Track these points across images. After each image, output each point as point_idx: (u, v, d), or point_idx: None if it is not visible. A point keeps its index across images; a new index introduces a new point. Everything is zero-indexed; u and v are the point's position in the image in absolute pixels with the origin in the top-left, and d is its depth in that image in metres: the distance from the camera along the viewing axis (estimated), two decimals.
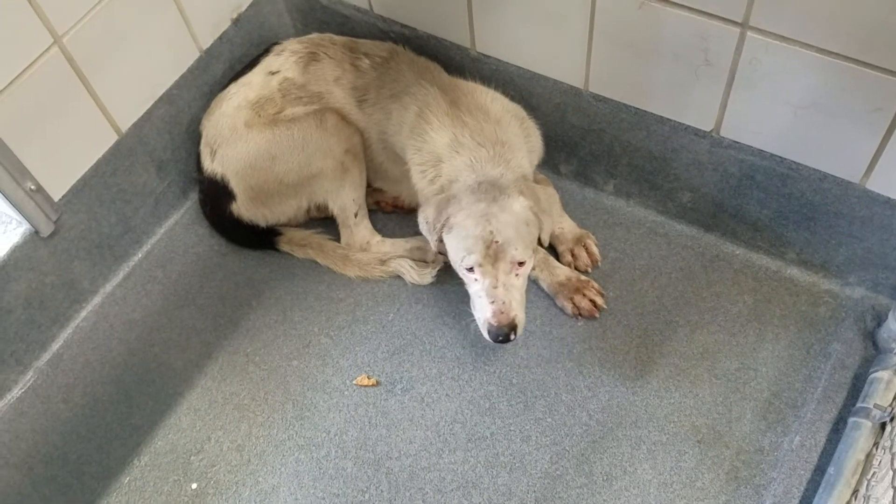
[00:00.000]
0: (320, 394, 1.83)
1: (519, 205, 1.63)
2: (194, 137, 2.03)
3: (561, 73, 1.87)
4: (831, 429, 1.67)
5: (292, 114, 1.89)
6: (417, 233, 2.00)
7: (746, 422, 1.71)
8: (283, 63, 1.93)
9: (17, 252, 1.76)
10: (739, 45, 1.56)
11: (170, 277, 2.01)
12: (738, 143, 1.75)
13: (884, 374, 1.63)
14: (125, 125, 1.90)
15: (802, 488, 1.61)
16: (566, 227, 1.96)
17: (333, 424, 1.79)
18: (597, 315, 1.86)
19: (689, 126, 1.78)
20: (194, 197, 2.11)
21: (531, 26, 1.79)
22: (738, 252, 1.93)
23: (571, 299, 1.86)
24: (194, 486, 1.74)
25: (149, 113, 1.94)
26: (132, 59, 1.84)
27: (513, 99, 1.88)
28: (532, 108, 1.91)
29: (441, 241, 1.68)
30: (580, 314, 1.87)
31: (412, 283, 1.95)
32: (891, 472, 1.38)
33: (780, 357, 1.79)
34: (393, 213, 2.08)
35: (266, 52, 1.98)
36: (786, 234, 1.86)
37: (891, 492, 1.33)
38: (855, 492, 1.51)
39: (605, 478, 1.68)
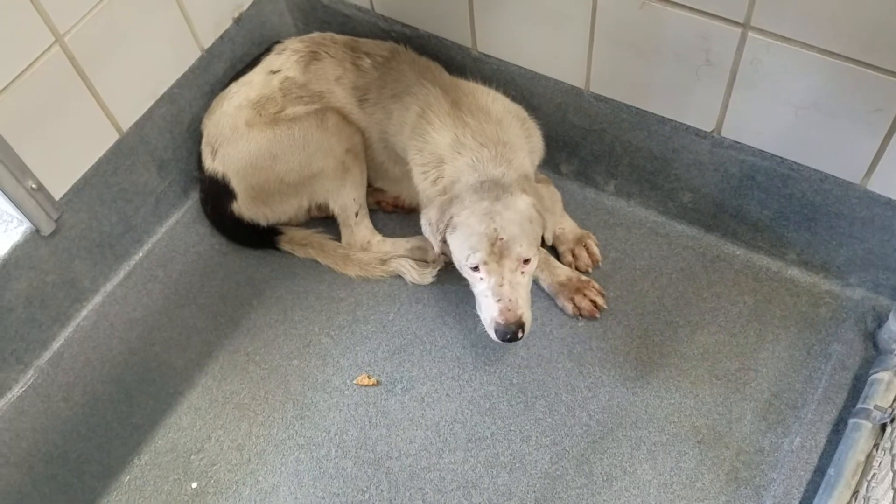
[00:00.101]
0: (321, 393, 1.83)
1: (523, 202, 1.63)
2: (195, 136, 2.03)
3: (562, 72, 1.87)
4: (831, 430, 1.67)
5: (293, 113, 1.89)
6: (418, 232, 2.00)
7: (747, 422, 1.71)
8: (284, 62, 1.93)
9: (18, 251, 1.76)
10: (741, 45, 1.55)
11: (171, 276, 2.02)
12: (738, 143, 1.75)
13: (884, 376, 1.63)
14: (126, 124, 1.90)
15: (802, 489, 1.61)
16: (567, 227, 1.96)
17: (334, 424, 1.79)
18: (597, 315, 1.86)
19: (690, 126, 1.78)
20: (195, 196, 2.12)
21: (532, 26, 1.79)
22: (738, 252, 1.93)
23: (572, 299, 1.86)
24: (194, 485, 1.74)
25: (150, 112, 1.94)
26: (133, 58, 1.84)
27: (514, 99, 1.88)
28: (533, 108, 1.91)
29: (445, 242, 1.68)
30: (581, 314, 1.87)
31: (413, 283, 1.95)
32: (891, 474, 1.38)
33: (780, 358, 1.78)
34: (393, 212, 2.08)
35: (267, 51, 1.98)
36: (786, 235, 1.86)
37: (891, 493, 1.33)
38: (855, 493, 1.51)
39: (605, 478, 1.68)
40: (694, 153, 1.83)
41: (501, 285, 1.59)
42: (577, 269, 1.92)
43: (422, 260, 1.96)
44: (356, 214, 1.96)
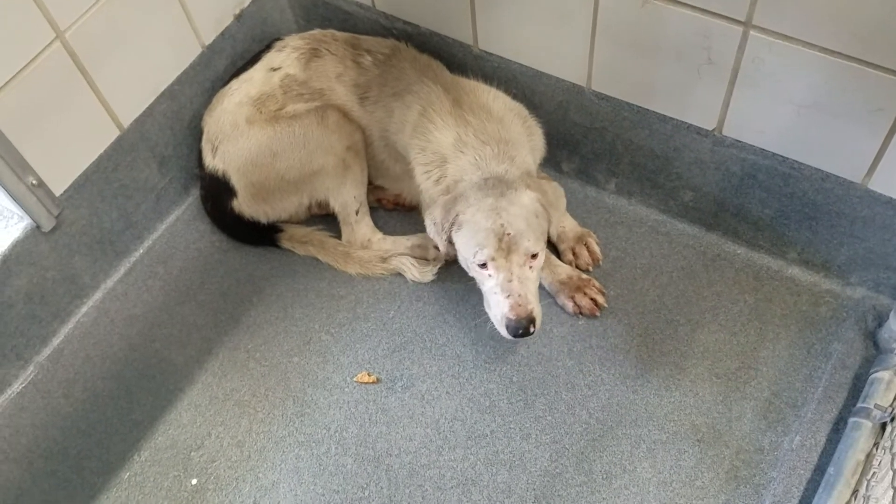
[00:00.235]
0: (321, 390, 1.83)
1: (527, 197, 1.62)
2: (196, 133, 2.03)
3: (563, 70, 1.86)
4: (831, 429, 1.67)
5: (294, 110, 1.89)
6: (419, 230, 2.00)
7: (746, 421, 1.71)
8: (284, 59, 1.93)
9: (19, 247, 1.76)
10: (742, 43, 1.55)
11: (171, 273, 2.02)
12: (740, 142, 1.74)
13: (884, 375, 1.63)
14: (127, 121, 1.90)
15: (802, 488, 1.61)
16: (567, 225, 1.96)
17: (334, 421, 1.79)
18: (598, 314, 1.86)
19: (691, 125, 1.78)
20: (195, 193, 2.11)
21: (534, 24, 1.79)
22: (739, 251, 1.93)
23: (572, 298, 1.86)
24: (194, 481, 1.74)
25: (150, 109, 1.94)
26: (134, 55, 1.84)
27: (515, 97, 1.88)
28: (534, 106, 1.91)
29: (450, 241, 1.68)
30: (581, 313, 1.87)
31: (413, 281, 1.95)
32: (891, 473, 1.38)
33: (780, 357, 1.78)
34: (394, 210, 2.08)
35: (268, 48, 1.98)
36: (787, 234, 1.86)
37: (891, 492, 1.33)
38: (855, 492, 1.51)
39: (604, 476, 1.68)
40: (695, 152, 1.83)
41: (510, 281, 1.59)
42: (577, 267, 1.92)
43: (422, 258, 1.96)
44: (357, 212, 1.96)
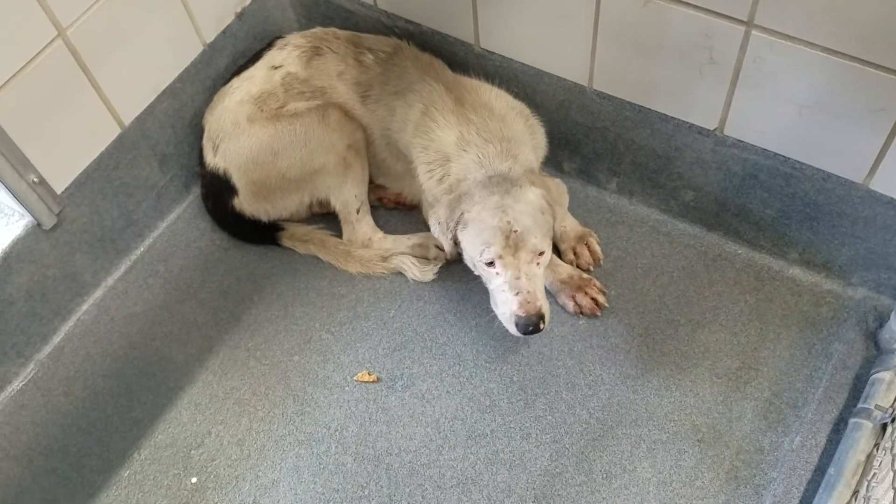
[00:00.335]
0: (321, 389, 1.83)
1: (533, 194, 1.62)
2: (197, 131, 2.03)
3: (565, 70, 1.86)
4: (832, 429, 1.67)
5: (295, 109, 1.89)
6: (420, 229, 2.00)
7: (747, 421, 1.71)
8: (286, 57, 1.93)
9: (20, 244, 1.76)
10: (744, 43, 1.55)
11: (171, 271, 2.01)
12: (741, 141, 1.74)
13: (885, 375, 1.63)
14: (128, 118, 1.90)
15: (802, 489, 1.61)
16: (568, 225, 1.95)
17: (334, 420, 1.79)
18: (598, 313, 1.86)
19: (692, 124, 1.78)
20: (196, 191, 2.11)
21: (535, 23, 1.79)
22: (740, 251, 1.93)
23: (573, 297, 1.86)
24: (194, 479, 1.74)
25: (152, 106, 1.94)
26: (136, 53, 1.84)
27: (516, 96, 1.88)
28: (536, 106, 1.91)
29: (455, 241, 1.67)
30: (582, 312, 1.87)
31: (414, 280, 1.95)
32: (891, 474, 1.38)
33: (781, 357, 1.78)
34: (395, 209, 2.08)
35: (269, 46, 1.98)
36: (788, 234, 1.86)
37: (891, 493, 1.33)
38: (855, 493, 1.51)
39: (604, 476, 1.68)
40: (697, 151, 1.82)
41: (518, 278, 1.59)
42: (578, 266, 1.92)
43: (423, 257, 1.96)
44: (357, 211, 1.96)
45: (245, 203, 1.96)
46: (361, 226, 1.98)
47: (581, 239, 1.94)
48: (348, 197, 1.94)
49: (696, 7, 1.55)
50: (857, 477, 1.53)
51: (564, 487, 1.67)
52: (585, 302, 1.85)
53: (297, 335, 1.91)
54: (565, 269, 1.89)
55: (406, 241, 1.98)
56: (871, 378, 1.66)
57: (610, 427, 1.73)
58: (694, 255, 1.93)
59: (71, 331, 1.92)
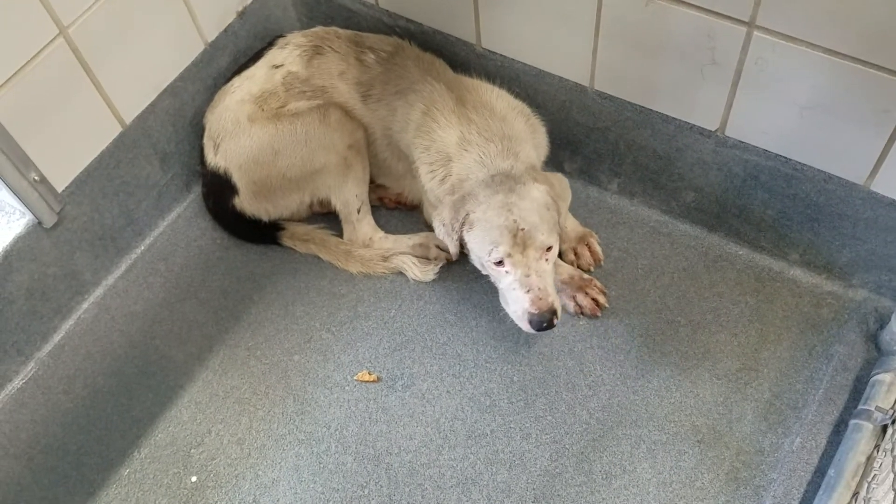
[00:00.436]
0: (321, 389, 1.83)
1: (537, 190, 1.62)
2: (198, 130, 2.03)
3: (566, 70, 1.86)
4: (832, 431, 1.67)
5: (296, 108, 1.88)
6: (420, 229, 2.00)
7: (747, 422, 1.71)
8: (287, 56, 1.93)
9: (20, 242, 1.76)
10: (746, 44, 1.55)
11: (172, 270, 2.01)
12: (743, 142, 1.74)
13: (886, 377, 1.63)
14: (129, 117, 1.90)
15: (802, 490, 1.61)
16: (569, 225, 1.95)
17: (334, 419, 1.79)
18: (599, 314, 1.86)
19: (694, 125, 1.78)
20: (197, 190, 2.11)
21: (537, 23, 1.79)
22: (741, 252, 1.93)
23: (574, 297, 1.86)
24: (194, 478, 1.74)
25: (153, 105, 1.94)
26: (137, 51, 1.84)
27: (518, 96, 1.88)
28: (537, 106, 1.91)
29: (461, 242, 1.67)
30: (582, 312, 1.87)
31: (414, 280, 1.95)
32: (891, 475, 1.38)
33: (781, 358, 1.78)
34: (396, 209, 2.08)
35: (270, 45, 1.98)
36: (789, 235, 1.86)
37: (891, 494, 1.33)
38: (855, 494, 1.51)
39: (604, 476, 1.68)
40: (698, 152, 1.82)
41: (528, 275, 1.59)
42: (579, 267, 1.92)
43: (423, 257, 1.96)
44: (358, 211, 1.96)
45: (245, 202, 1.96)
46: (362, 225, 1.98)
47: (582, 239, 1.94)
48: (349, 196, 1.94)
49: (697, 7, 1.55)
50: (857, 478, 1.53)
51: (564, 488, 1.67)
52: (586, 302, 1.85)
53: (297, 334, 1.91)
54: (566, 270, 1.89)
55: (407, 241, 1.98)
56: (871, 380, 1.66)
57: (610, 427, 1.73)
58: (695, 256, 1.93)
59: (71, 329, 1.92)
